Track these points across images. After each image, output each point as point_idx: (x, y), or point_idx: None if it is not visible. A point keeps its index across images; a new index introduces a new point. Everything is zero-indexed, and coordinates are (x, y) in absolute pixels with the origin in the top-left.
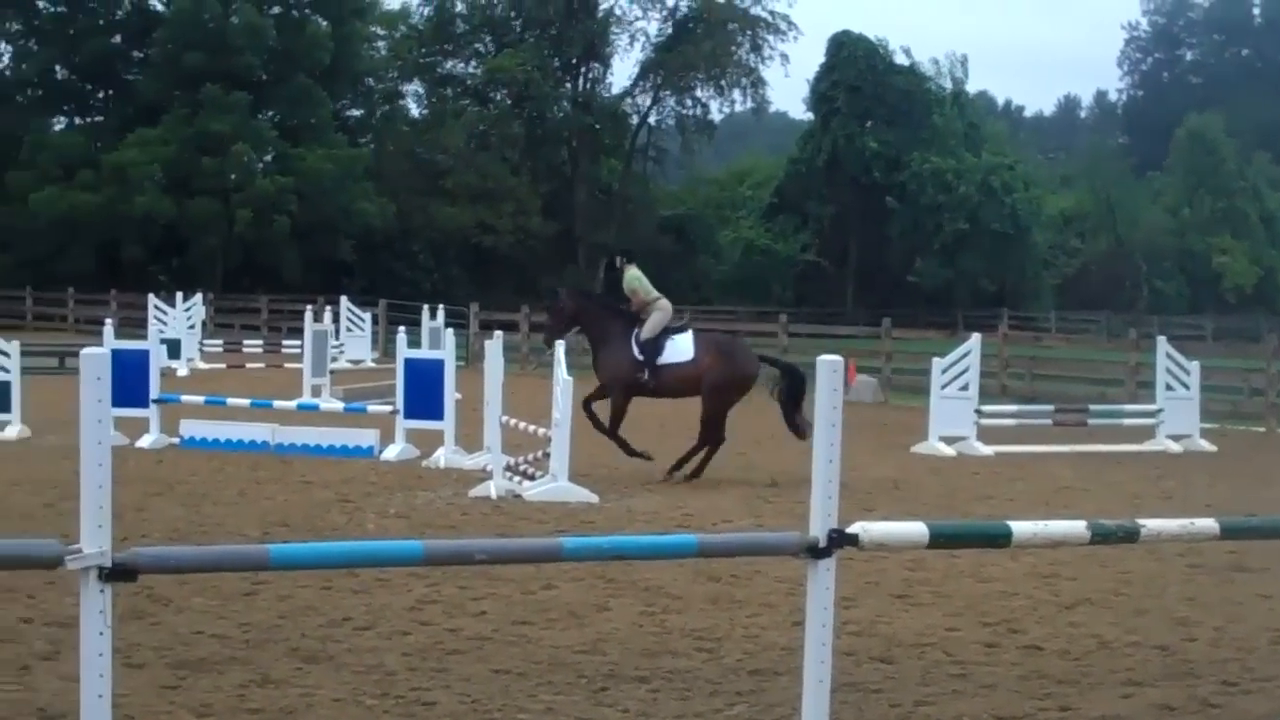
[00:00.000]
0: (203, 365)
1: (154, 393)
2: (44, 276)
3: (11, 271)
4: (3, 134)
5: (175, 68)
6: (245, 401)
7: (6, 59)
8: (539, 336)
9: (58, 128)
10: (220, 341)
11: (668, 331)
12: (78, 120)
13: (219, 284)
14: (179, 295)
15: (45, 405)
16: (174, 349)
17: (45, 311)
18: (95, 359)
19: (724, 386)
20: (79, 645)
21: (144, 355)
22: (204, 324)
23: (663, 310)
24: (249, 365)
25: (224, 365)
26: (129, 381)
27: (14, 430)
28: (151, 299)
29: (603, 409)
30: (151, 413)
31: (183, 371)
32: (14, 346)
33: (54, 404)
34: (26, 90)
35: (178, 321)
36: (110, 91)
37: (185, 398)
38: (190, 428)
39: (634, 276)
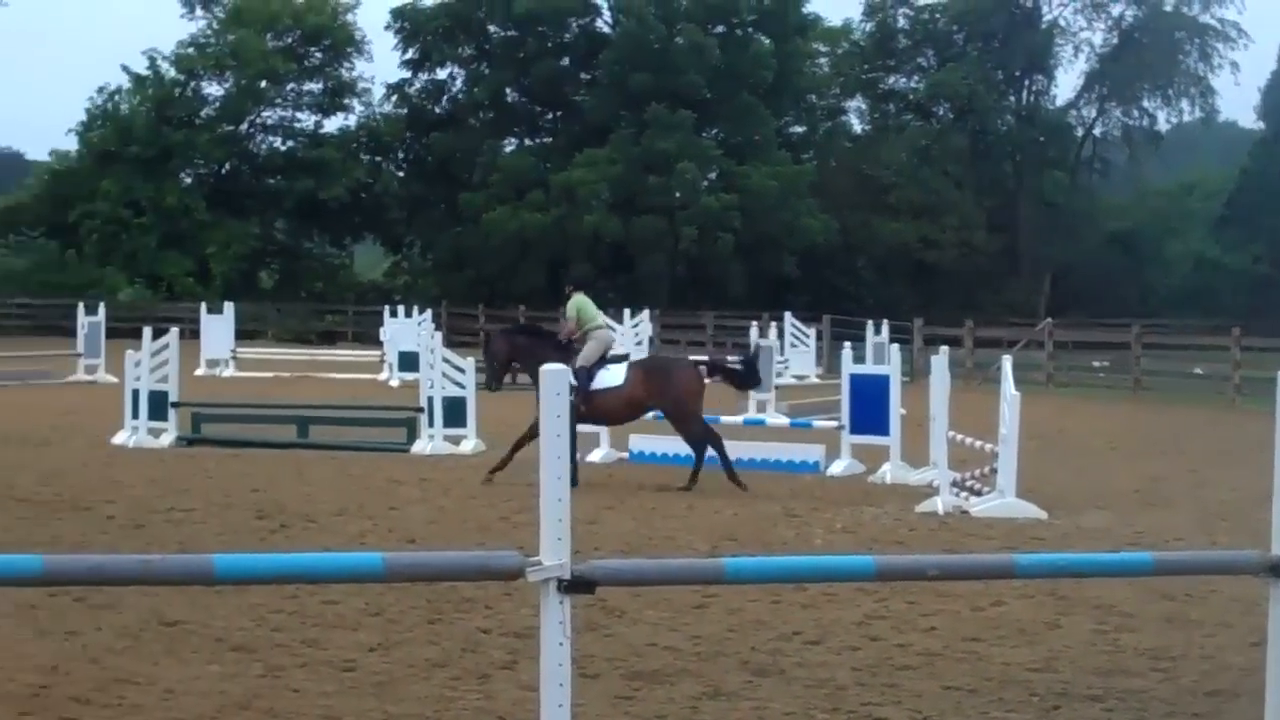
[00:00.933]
0: None
1: None
2: (496, 294)
3: (466, 289)
4: (456, 156)
5: (622, 88)
6: None
7: (459, 83)
8: (984, 352)
9: (509, 149)
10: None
11: (604, 360)
12: (527, 141)
13: (665, 300)
14: (626, 312)
15: (499, 420)
16: None
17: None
18: (555, 375)
19: (668, 406)
20: (537, 655)
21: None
22: (651, 340)
23: (598, 340)
24: None
25: None
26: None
27: (469, 444)
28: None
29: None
30: (601, 428)
31: None
32: (468, 363)
33: (507, 419)
34: (478, 113)
35: (626, 338)
36: (559, 113)
37: None
38: (640, 442)
39: (575, 304)
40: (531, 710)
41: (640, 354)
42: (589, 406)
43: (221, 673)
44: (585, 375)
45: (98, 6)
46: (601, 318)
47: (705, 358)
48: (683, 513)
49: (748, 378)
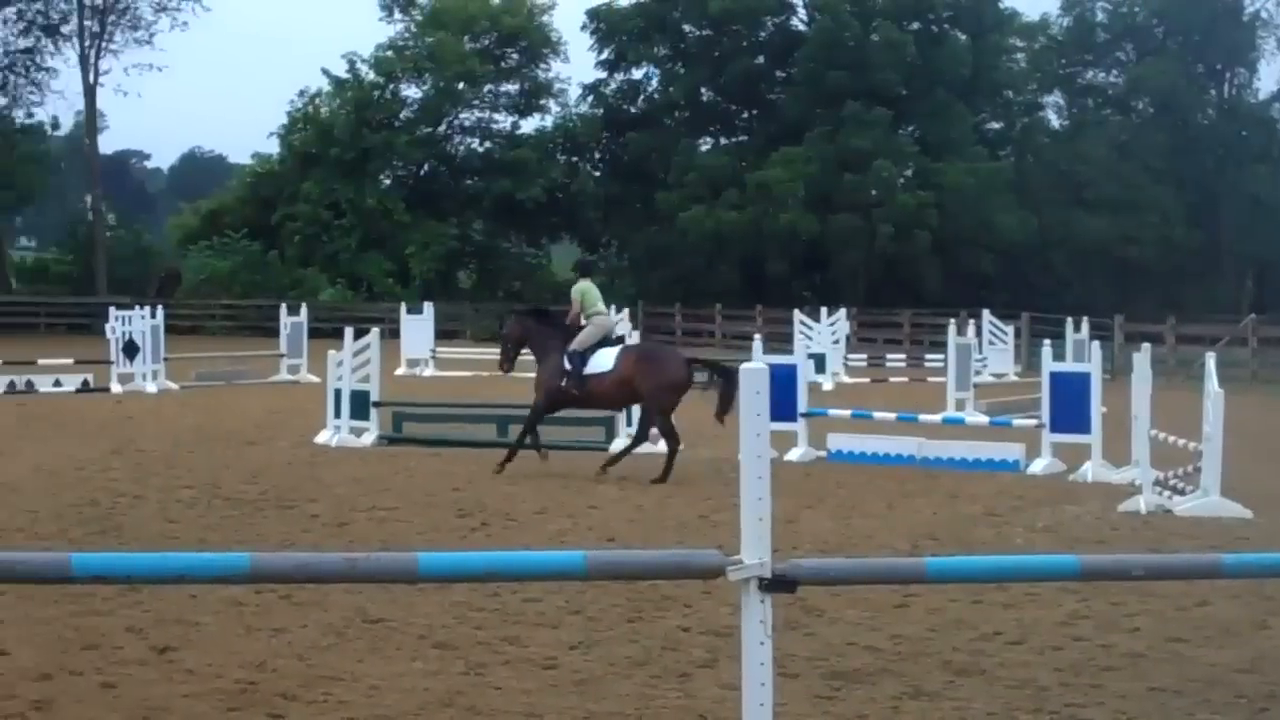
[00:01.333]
0: (847, 379)
1: (802, 406)
2: (692, 293)
3: (662, 288)
4: (652, 155)
5: (817, 86)
6: (891, 415)
7: (655, 83)
8: (1187, 349)
9: (704, 148)
10: (863, 356)
11: (601, 345)
12: (723, 140)
13: (861, 298)
14: (823, 310)
15: (697, 419)
16: (819, 363)
17: (694, 327)
18: (755, 374)
19: (650, 392)
20: (738, 654)
21: (792, 370)
22: (847, 338)
23: (596, 325)
24: (891, 379)
25: (867, 379)
26: (778, 396)
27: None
28: (796, 314)
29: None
30: (799, 426)
31: (828, 386)
32: None
33: (706, 418)
34: (674, 112)
35: (822, 336)
36: (754, 111)
37: (832, 412)
38: (837, 441)
39: (579, 289)
40: (732, 709)
41: (837, 352)
42: (582, 390)
43: (424, 670)
44: (579, 359)
45: (298, 11)
46: (602, 304)
47: (701, 357)
48: (882, 512)
49: (728, 395)
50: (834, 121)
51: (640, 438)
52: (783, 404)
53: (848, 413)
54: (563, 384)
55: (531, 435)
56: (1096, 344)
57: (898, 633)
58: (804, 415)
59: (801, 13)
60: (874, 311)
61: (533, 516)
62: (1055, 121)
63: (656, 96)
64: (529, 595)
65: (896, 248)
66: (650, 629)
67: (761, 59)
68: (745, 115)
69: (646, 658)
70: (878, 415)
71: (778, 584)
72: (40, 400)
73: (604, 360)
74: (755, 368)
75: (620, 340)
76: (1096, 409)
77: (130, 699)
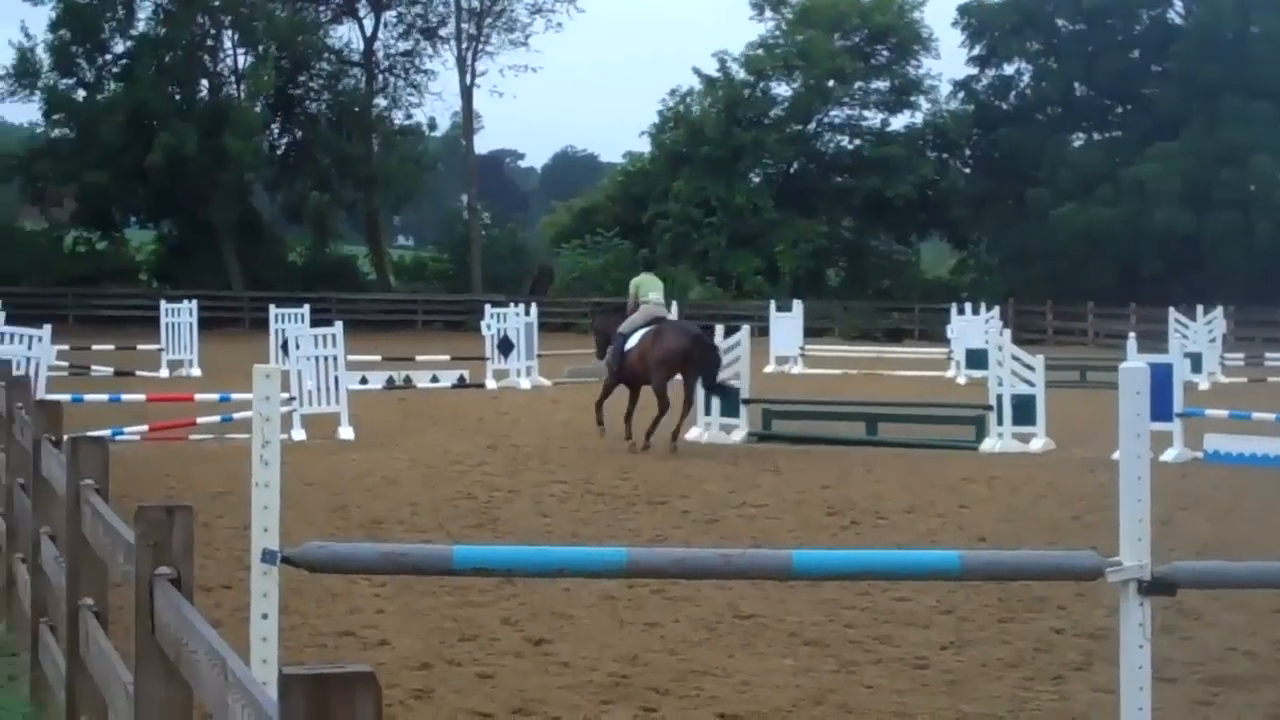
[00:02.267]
0: (1223, 379)
1: (1178, 406)
2: (1064, 291)
3: (1033, 285)
4: (1024, 151)
5: (1194, 80)
6: (1270, 416)
7: (1027, 78)
8: None
9: (1076, 144)
10: (1241, 355)
11: (644, 327)
12: (1095, 136)
13: (1239, 296)
14: (1199, 309)
15: (1068, 419)
16: (1195, 363)
17: (1065, 326)
18: (1135, 373)
19: (653, 363)
20: (1113, 657)
21: (1167, 369)
22: (1224, 337)
23: (642, 311)
24: (1271, 379)
25: (1245, 379)
26: (1153, 395)
27: (1039, 443)
28: (1171, 313)
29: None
30: (1175, 426)
31: (1204, 385)
32: (1038, 360)
33: (1077, 417)
34: (1046, 108)
35: (1198, 335)
36: (1128, 106)
37: (1209, 411)
38: (1214, 442)
39: (636, 281)
40: (1108, 713)
41: (1213, 351)
42: (621, 368)
43: (795, 666)
44: (620, 340)
45: (668, 10)
46: (657, 294)
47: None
48: (1260, 514)
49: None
50: (1211, 116)
51: (686, 405)
52: (1159, 403)
53: (1225, 413)
54: (614, 365)
55: (597, 411)
56: None
57: (1278, 639)
58: (1180, 415)
59: (1178, 5)
60: (1252, 310)
61: (902, 515)
62: None
63: (1028, 92)
64: (899, 594)
65: (1276, 245)
66: (1023, 630)
67: (1136, 53)
68: (1119, 110)
69: (1019, 659)
70: (1256, 416)
71: (1157, 586)
72: (418, 395)
73: (635, 340)
74: (1134, 367)
75: (655, 321)
76: None
77: (507, 689)
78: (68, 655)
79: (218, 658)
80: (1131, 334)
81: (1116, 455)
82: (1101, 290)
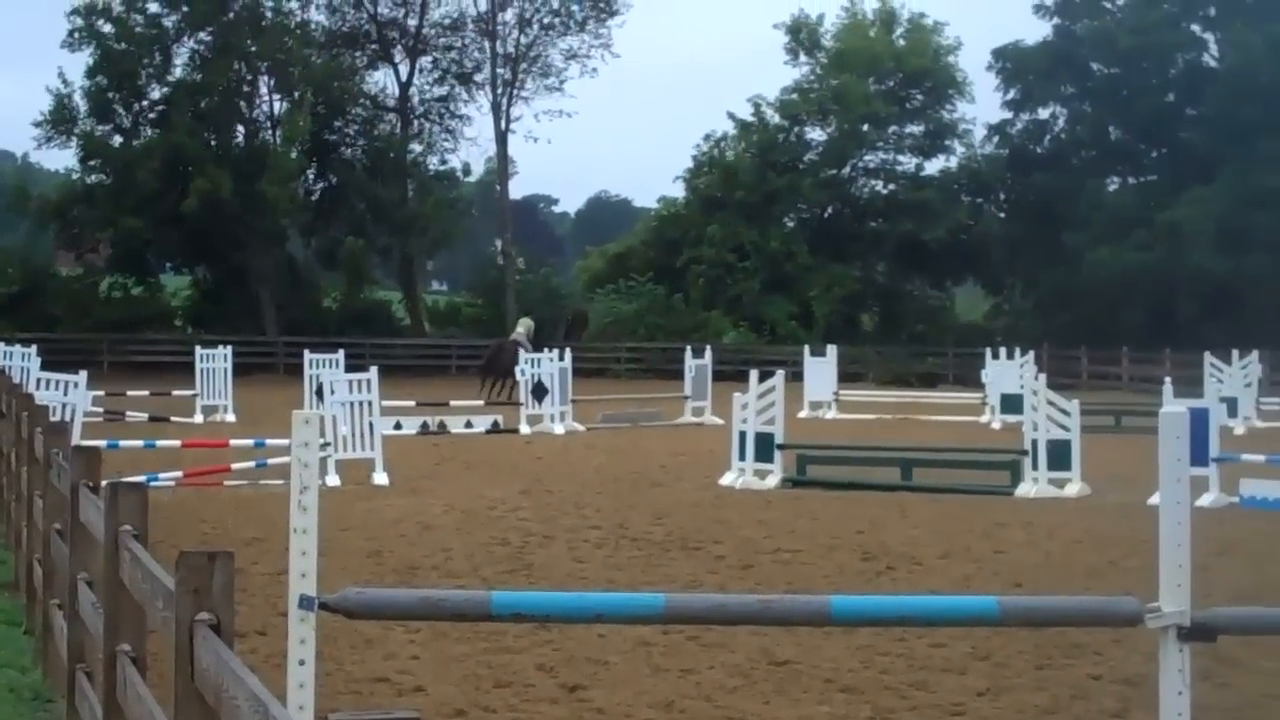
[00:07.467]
0: (1259, 424)
1: (1214, 451)
2: (1098, 335)
3: (1068, 329)
4: (1059, 194)
5: (1229, 123)
6: None
7: (1061, 121)
8: None
9: (1111, 187)
10: (1277, 399)
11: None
12: (1130, 180)
13: (1275, 340)
14: (1234, 353)
15: (1104, 463)
16: (1231, 407)
17: (1099, 370)
18: (1174, 418)
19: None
20: (1151, 704)
21: (1203, 414)
22: (1260, 381)
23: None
24: None
25: None
26: (1190, 440)
27: (1074, 488)
28: (1207, 356)
29: None
30: (1211, 471)
31: (1240, 430)
32: (1073, 405)
33: (1112, 462)
34: (1080, 152)
35: (1234, 379)
36: (1163, 150)
37: (1245, 456)
38: (1251, 487)
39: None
40: None
41: (1249, 395)
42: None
43: (831, 713)
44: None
45: (702, 56)
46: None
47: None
48: None
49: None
50: (1246, 159)
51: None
52: (1195, 448)
53: (1261, 458)
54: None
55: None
56: None
57: None
58: (1216, 460)
59: (1213, 48)
60: None
61: (937, 561)
62: None
63: (1063, 136)
64: (935, 640)
65: None
66: (1059, 677)
67: (1171, 96)
68: (1153, 154)
69: (1055, 706)
70: None
71: (1197, 632)
72: (452, 440)
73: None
74: (1174, 412)
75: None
76: None
77: None
78: (104, 702)
79: (259, 704)
80: (1167, 378)
81: (1153, 500)
82: (1136, 334)
